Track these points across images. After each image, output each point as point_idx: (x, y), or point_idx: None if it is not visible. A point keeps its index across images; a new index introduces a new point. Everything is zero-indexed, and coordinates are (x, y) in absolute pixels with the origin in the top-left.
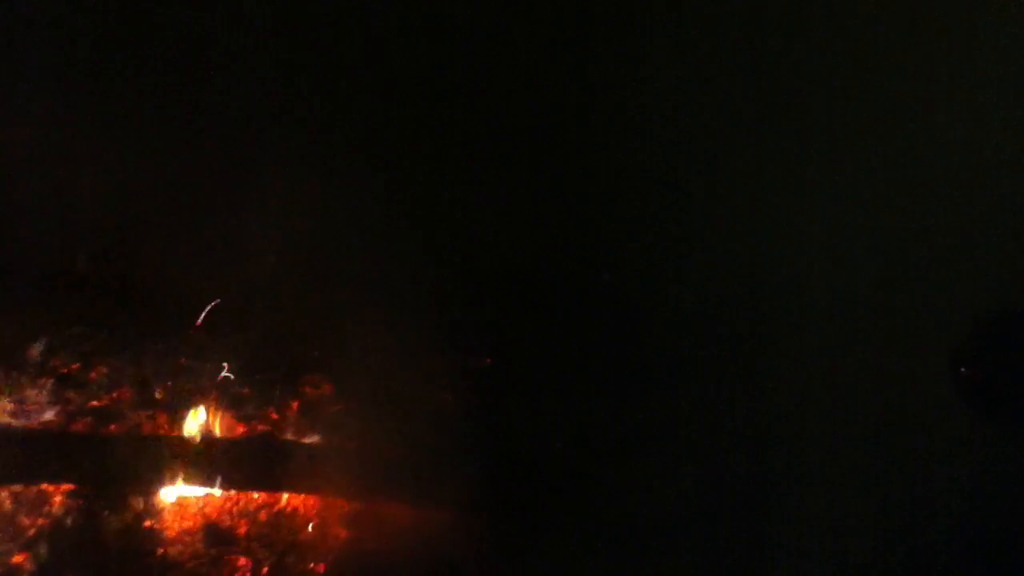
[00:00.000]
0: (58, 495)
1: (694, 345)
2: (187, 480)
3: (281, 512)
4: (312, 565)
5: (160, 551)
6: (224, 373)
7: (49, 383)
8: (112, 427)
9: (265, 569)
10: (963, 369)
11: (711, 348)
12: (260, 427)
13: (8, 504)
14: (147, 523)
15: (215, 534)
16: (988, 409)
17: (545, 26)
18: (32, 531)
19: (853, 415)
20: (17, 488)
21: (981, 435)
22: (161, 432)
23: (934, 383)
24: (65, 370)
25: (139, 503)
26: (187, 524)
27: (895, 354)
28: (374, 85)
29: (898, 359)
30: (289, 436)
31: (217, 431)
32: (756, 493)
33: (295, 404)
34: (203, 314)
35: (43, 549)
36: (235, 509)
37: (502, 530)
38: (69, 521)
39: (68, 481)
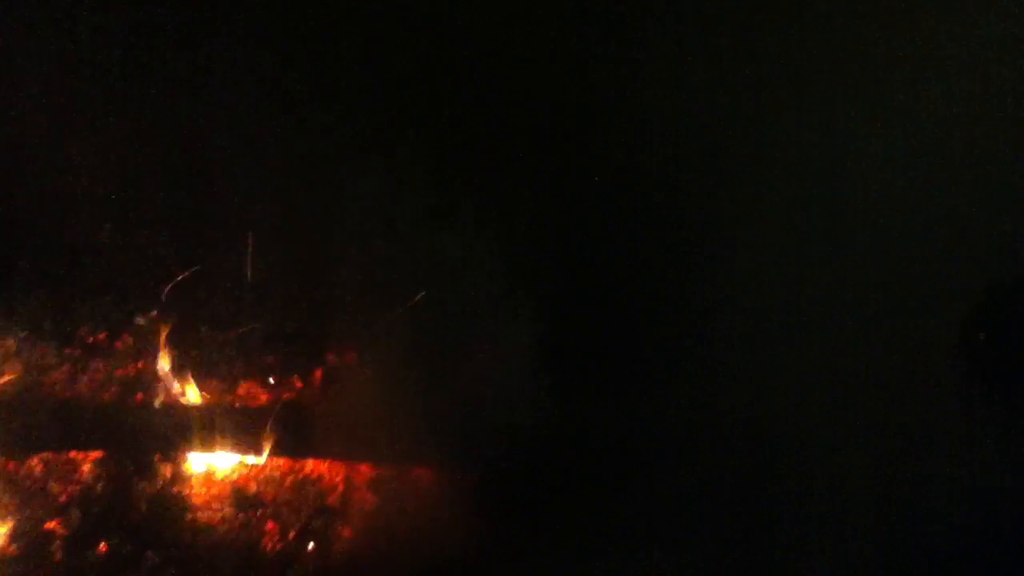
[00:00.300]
0: (87, 463)
1: (697, 327)
2: (214, 447)
3: (307, 478)
4: (339, 529)
5: (189, 516)
6: (249, 341)
7: (76, 353)
8: (139, 396)
9: (292, 533)
10: (979, 336)
11: (715, 326)
12: (285, 395)
13: (39, 471)
14: (176, 489)
15: (243, 499)
16: (998, 381)
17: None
18: (63, 498)
19: (857, 404)
20: (48, 456)
21: (983, 427)
22: (187, 401)
23: (940, 368)
24: (91, 340)
25: (168, 470)
26: (215, 490)
27: (902, 333)
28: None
29: (905, 338)
30: (313, 404)
31: (242, 399)
32: (758, 483)
33: (319, 372)
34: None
35: (74, 515)
36: (262, 475)
37: (522, 496)
38: (99, 488)
39: (97, 448)
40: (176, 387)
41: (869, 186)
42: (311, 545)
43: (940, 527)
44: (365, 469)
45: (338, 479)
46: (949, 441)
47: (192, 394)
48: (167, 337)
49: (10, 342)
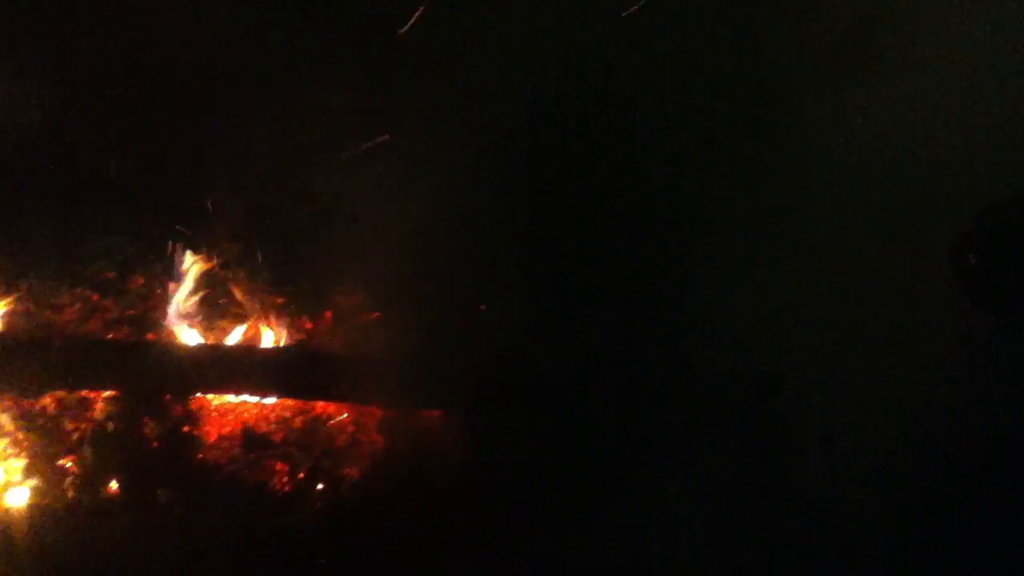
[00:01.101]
0: (100, 401)
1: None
2: (220, 386)
3: (317, 419)
4: (347, 470)
5: (199, 455)
6: (260, 282)
7: (86, 292)
8: (149, 335)
9: (301, 474)
10: (969, 258)
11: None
12: (294, 335)
13: (53, 409)
14: (186, 428)
15: (252, 439)
16: (991, 300)
17: None
18: (76, 435)
19: (855, 338)
20: (61, 394)
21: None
22: (196, 339)
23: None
24: (101, 279)
25: (178, 409)
26: (225, 430)
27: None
28: None
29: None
30: (323, 345)
31: (252, 339)
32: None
33: (328, 313)
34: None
35: (87, 452)
36: (272, 416)
37: (529, 438)
38: (111, 426)
39: (109, 388)
40: (186, 326)
41: (857, 122)
42: (319, 485)
43: (942, 462)
44: (374, 411)
45: (347, 420)
46: (948, 374)
47: (203, 335)
48: (178, 275)
49: (21, 281)
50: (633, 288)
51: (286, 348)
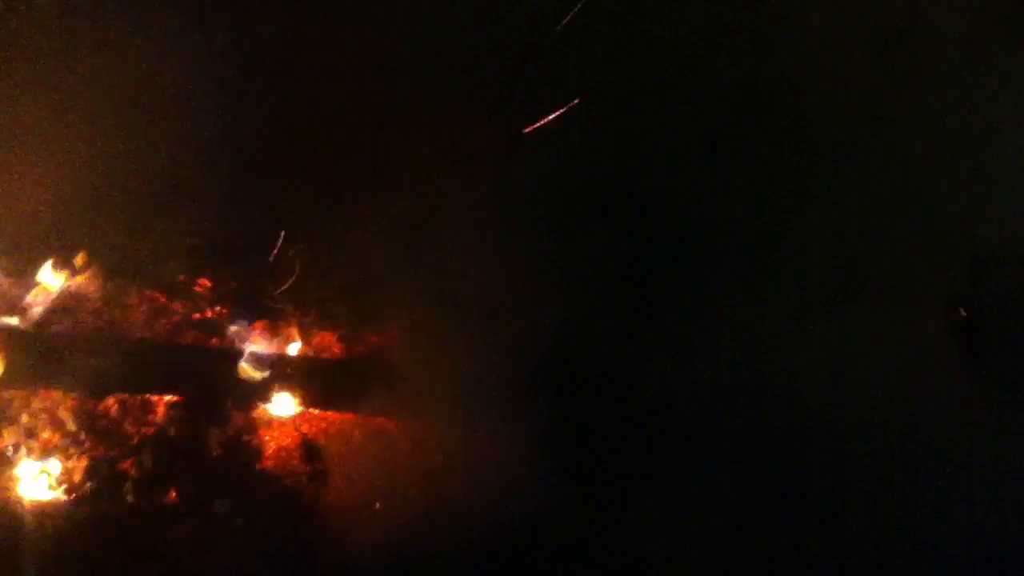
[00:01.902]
0: (162, 405)
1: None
2: (285, 399)
3: (375, 433)
4: (408, 488)
5: (258, 465)
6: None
7: (155, 295)
8: (214, 340)
9: (360, 489)
10: (960, 311)
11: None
12: (358, 349)
13: (115, 411)
14: (246, 437)
15: (311, 451)
16: (982, 356)
17: None
18: (137, 439)
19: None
20: (124, 396)
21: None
22: (260, 348)
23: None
24: (170, 281)
25: (239, 418)
26: (284, 441)
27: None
28: None
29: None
30: (386, 360)
31: (315, 351)
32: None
33: (395, 330)
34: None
35: (147, 458)
36: (331, 429)
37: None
38: (172, 431)
39: (172, 392)
40: (251, 335)
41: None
42: (377, 504)
43: (934, 502)
44: (430, 428)
45: (403, 437)
46: (944, 418)
47: (267, 344)
48: (244, 286)
49: (96, 280)
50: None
51: (348, 360)
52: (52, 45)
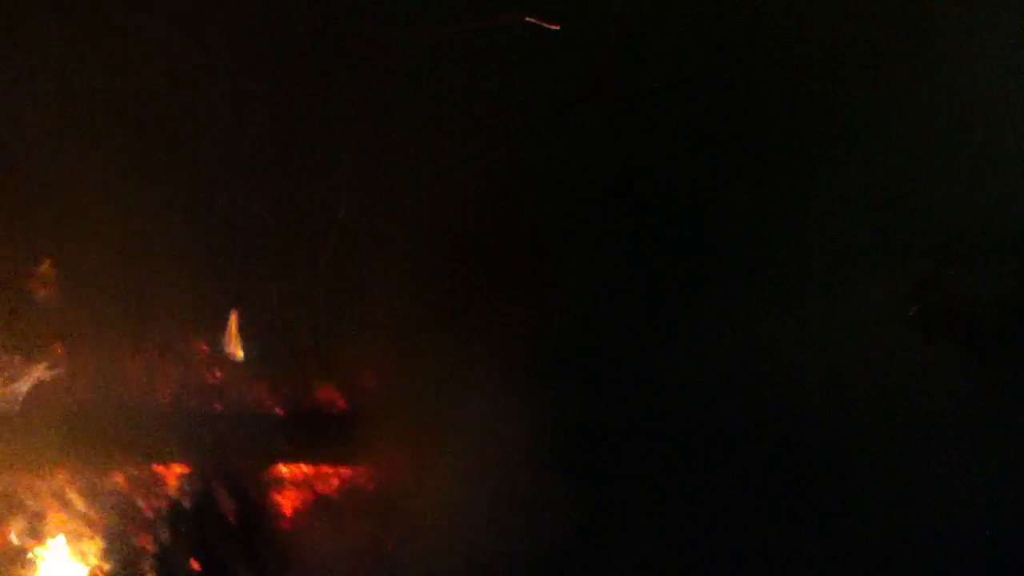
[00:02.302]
0: (172, 477)
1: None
2: (295, 456)
3: (392, 486)
4: (433, 546)
5: (278, 527)
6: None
7: (151, 359)
8: (217, 405)
9: (391, 546)
10: (913, 308)
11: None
12: (363, 401)
13: (123, 485)
14: (261, 500)
15: (328, 508)
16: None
17: None
18: (150, 512)
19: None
20: (131, 469)
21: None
22: (265, 408)
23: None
24: (165, 346)
25: (252, 480)
26: (300, 502)
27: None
28: None
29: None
30: (392, 410)
31: (320, 404)
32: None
33: (395, 379)
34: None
35: (163, 532)
36: (344, 484)
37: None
38: (186, 503)
39: (179, 461)
40: (252, 394)
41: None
42: (409, 550)
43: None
44: (439, 477)
45: (418, 487)
46: (944, 416)
47: (269, 402)
48: (242, 343)
49: (85, 347)
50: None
51: (353, 412)
52: None
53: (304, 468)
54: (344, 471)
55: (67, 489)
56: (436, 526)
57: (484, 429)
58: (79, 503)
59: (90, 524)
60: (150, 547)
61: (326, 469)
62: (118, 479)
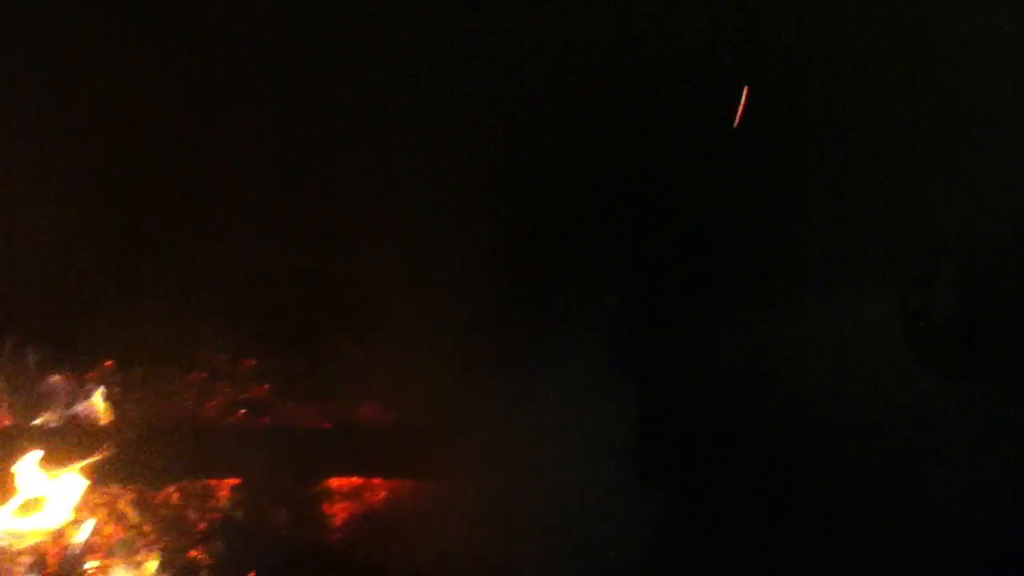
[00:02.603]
0: (224, 489)
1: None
2: (341, 470)
3: (440, 499)
4: (477, 560)
5: (331, 540)
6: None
7: (200, 377)
8: (265, 419)
9: (433, 556)
10: (919, 324)
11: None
12: (408, 413)
13: (176, 499)
14: (313, 513)
15: (377, 522)
16: (940, 362)
17: None
18: (203, 525)
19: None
20: (184, 484)
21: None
22: (312, 423)
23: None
24: (213, 363)
25: (303, 494)
26: (351, 513)
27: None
28: None
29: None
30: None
31: (366, 418)
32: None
33: (442, 391)
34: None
35: (217, 543)
36: (392, 497)
37: None
38: (239, 515)
39: (231, 475)
40: (300, 410)
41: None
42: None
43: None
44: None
45: (467, 501)
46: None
47: (317, 417)
48: (287, 358)
49: (135, 369)
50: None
51: (399, 426)
52: None
53: (354, 481)
54: (393, 484)
55: (121, 502)
56: (484, 538)
57: (534, 441)
58: (133, 516)
59: (143, 537)
60: (206, 559)
61: (375, 481)
62: (170, 492)
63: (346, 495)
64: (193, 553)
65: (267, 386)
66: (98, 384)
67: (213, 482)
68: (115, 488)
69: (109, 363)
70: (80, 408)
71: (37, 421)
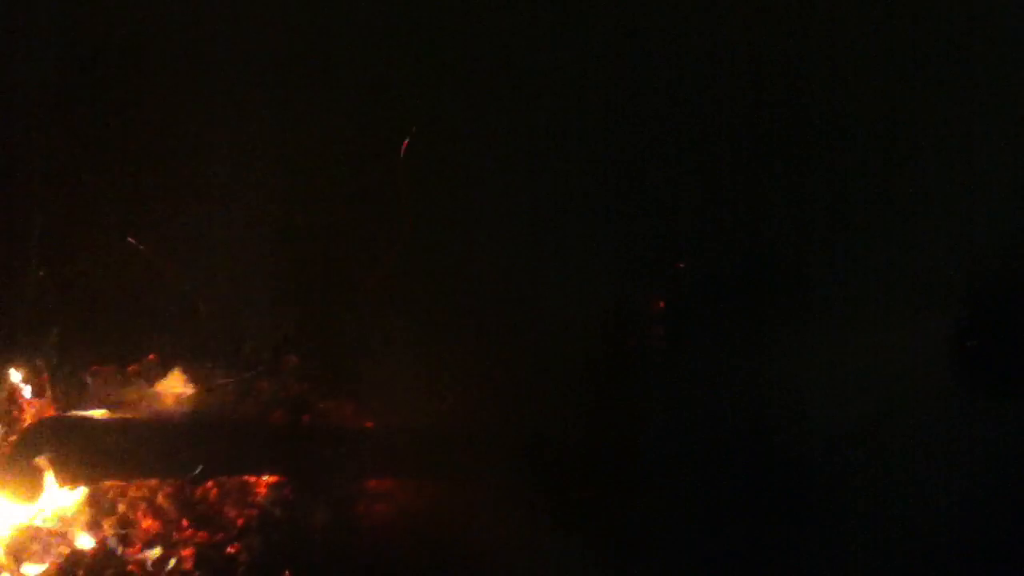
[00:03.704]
0: (262, 486)
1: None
2: (381, 470)
3: (474, 500)
4: (519, 555)
5: (368, 541)
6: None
7: (243, 374)
8: (305, 417)
9: (470, 553)
10: (967, 344)
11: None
12: (442, 416)
13: (214, 495)
14: (351, 513)
15: (414, 522)
16: (990, 384)
17: None
18: (241, 521)
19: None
20: (222, 479)
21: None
22: (351, 423)
23: (935, 366)
24: (256, 360)
25: (342, 493)
26: (389, 513)
27: (897, 336)
28: None
29: (900, 340)
30: (470, 425)
31: (408, 419)
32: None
33: (474, 393)
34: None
35: (254, 540)
36: (427, 497)
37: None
38: (277, 513)
39: (269, 472)
40: (340, 409)
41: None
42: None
43: (938, 529)
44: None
45: (500, 503)
46: (946, 446)
47: (356, 417)
48: (329, 356)
49: (177, 365)
50: None
51: (436, 427)
52: None
53: (391, 482)
54: (430, 485)
55: (158, 496)
56: (519, 541)
57: (567, 446)
58: (171, 511)
59: (180, 531)
60: (243, 556)
61: (412, 483)
62: (208, 487)
63: (383, 495)
64: (230, 549)
65: (308, 384)
66: (140, 377)
67: (251, 478)
68: (154, 482)
69: (152, 357)
70: (122, 401)
71: (79, 413)
